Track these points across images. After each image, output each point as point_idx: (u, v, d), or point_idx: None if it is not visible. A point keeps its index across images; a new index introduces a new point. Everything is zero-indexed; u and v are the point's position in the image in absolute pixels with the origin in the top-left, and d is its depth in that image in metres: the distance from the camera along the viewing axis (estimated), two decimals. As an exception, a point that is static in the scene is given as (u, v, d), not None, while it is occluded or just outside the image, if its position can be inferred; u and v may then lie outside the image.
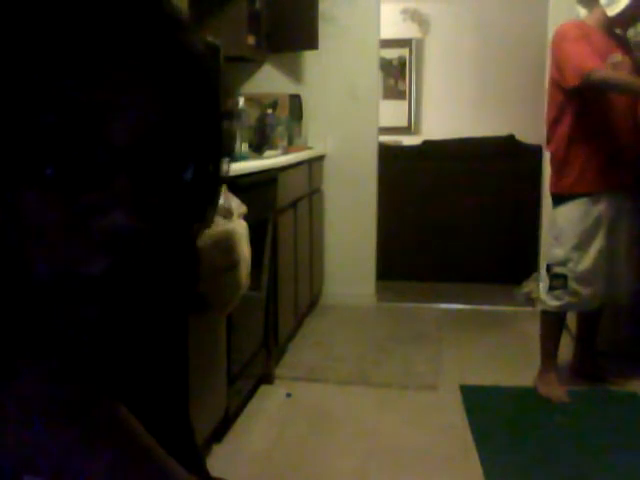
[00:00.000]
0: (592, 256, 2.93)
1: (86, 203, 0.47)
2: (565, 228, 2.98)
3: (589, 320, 3.20)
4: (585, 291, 2.95)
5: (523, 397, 3.04)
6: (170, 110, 0.50)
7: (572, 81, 2.84)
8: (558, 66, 2.94)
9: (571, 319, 3.32)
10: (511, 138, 5.10)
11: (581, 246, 2.94)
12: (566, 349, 3.25)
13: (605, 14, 2.93)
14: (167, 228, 0.52)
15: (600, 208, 2.93)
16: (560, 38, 2.96)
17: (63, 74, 0.46)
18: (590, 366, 3.21)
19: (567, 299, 2.98)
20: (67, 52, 0.46)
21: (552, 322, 3.07)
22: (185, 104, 0.51)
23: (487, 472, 2.34)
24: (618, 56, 2.93)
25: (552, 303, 3.01)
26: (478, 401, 2.97)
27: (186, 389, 2.02)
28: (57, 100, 0.45)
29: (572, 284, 2.96)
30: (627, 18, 2.95)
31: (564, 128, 2.96)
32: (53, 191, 0.46)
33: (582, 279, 2.94)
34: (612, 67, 2.90)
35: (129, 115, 0.47)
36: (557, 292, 2.99)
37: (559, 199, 3.03)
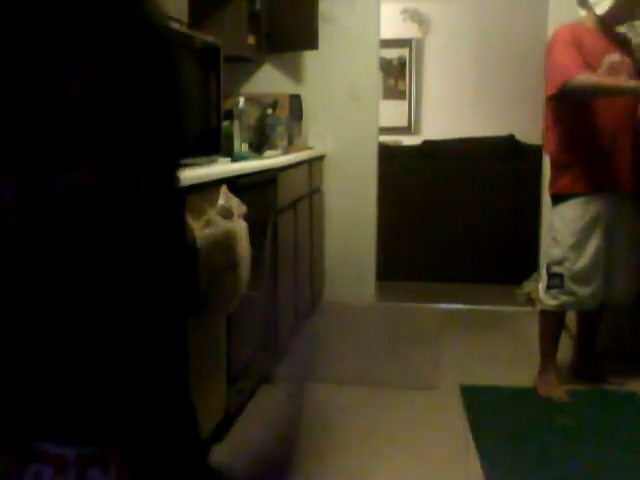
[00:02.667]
0: (589, 255, 2.94)
1: (47, 159, 0.47)
2: (562, 228, 2.99)
3: (589, 320, 3.20)
4: (582, 290, 2.96)
5: (523, 397, 3.04)
6: (129, 71, 0.50)
7: (550, 90, 2.89)
8: (545, 73, 2.97)
9: (571, 319, 3.32)
10: (511, 138, 5.10)
11: (578, 245, 2.95)
12: (566, 349, 3.25)
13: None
14: (137, 187, 0.52)
15: (597, 208, 2.93)
16: (550, 44, 3.00)
17: (21, 32, 0.46)
18: (590, 366, 3.21)
19: (564, 298, 2.99)
20: (26, 12, 0.46)
21: (551, 322, 3.07)
22: (146, 68, 0.51)
23: (487, 472, 2.34)
24: (616, 56, 2.93)
25: (550, 302, 3.02)
26: (478, 401, 2.97)
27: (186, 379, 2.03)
28: (14, 57, 0.45)
29: (568, 283, 2.96)
30: (616, 15, 2.95)
31: (559, 132, 2.98)
32: (12, 152, 0.47)
33: (579, 278, 2.95)
34: (609, 68, 2.90)
35: (83, 70, 0.48)
36: (554, 291, 3.00)
37: (556, 199, 3.04)
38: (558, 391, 3.01)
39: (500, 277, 4.81)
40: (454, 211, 4.98)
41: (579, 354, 3.25)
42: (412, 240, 4.96)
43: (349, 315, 4.28)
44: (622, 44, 3.03)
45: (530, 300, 4.34)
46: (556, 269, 3.00)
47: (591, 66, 2.87)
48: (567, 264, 2.96)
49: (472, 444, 2.55)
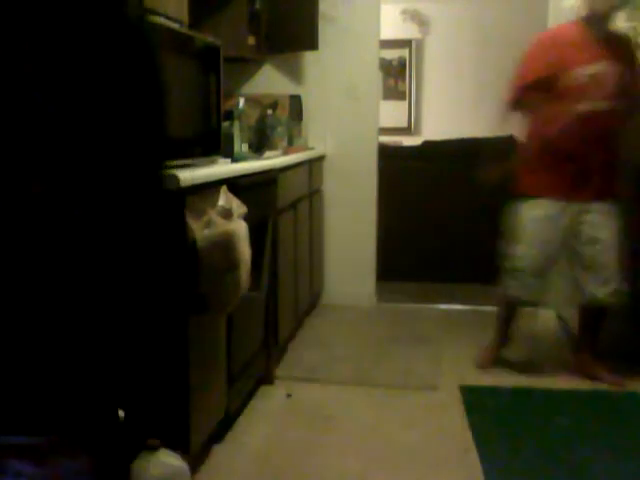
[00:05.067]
0: (541, 252, 3.11)
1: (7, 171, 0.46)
2: (521, 224, 3.15)
3: (590, 321, 3.21)
4: (532, 283, 3.14)
5: (523, 397, 3.04)
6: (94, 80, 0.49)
7: (505, 96, 3.09)
8: None
9: (572, 318, 3.33)
10: (511, 138, 5.09)
11: (532, 242, 3.11)
12: (566, 349, 3.25)
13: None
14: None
15: (556, 210, 3.06)
16: (528, 47, 3.12)
17: None
18: (589, 366, 3.22)
19: (515, 290, 3.18)
20: None
21: (504, 308, 3.34)
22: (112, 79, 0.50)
23: (487, 472, 2.34)
24: (598, 66, 2.93)
25: (504, 292, 3.26)
26: (478, 401, 2.97)
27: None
28: None
29: (520, 276, 3.15)
30: (596, 13, 2.98)
31: (528, 133, 3.17)
32: None
33: (530, 273, 3.13)
34: (591, 78, 2.93)
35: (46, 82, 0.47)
36: (508, 281, 3.20)
37: (521, 196, 3.20)
38: (482, 358, 3.37)
39: (500, 277, 4.80)
40: (454, 211, 4.97)
41: (580, 353, 3.26)
42: (412, 240, 4.96)
43: (349, 315, 4.28)
44: (616, 46, 3.02)
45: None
46: (511, 261, 3.17)
47: (567, 71, 2.93)
48: (521, 257, 3.14)
49: (472, 444, 2.55)
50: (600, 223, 3.06)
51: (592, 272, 3.09)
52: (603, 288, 3.07)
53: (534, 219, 3.11)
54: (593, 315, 3.19)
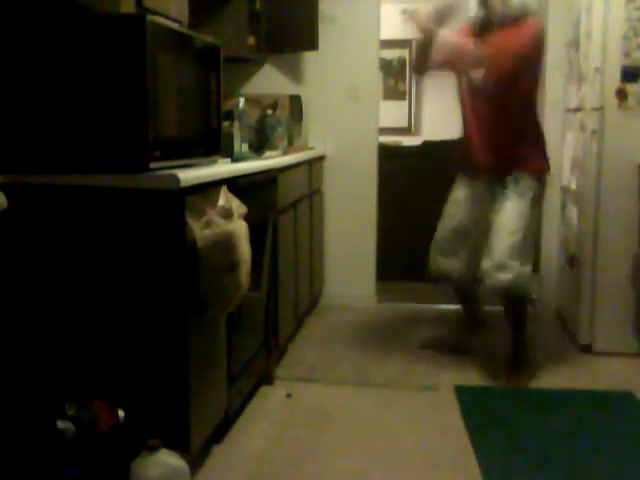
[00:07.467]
0: (448, 227, 3.31)
1: None
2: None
3: (464, 293, 3.57)
4: (440, 260, 3.34)
5: (521, 397, 3.04)
6: None
7: None
8: None
9: (571, 316, 3.32)
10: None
11: (443, 217, 3.34)
12: (560, 347, 3.24)
13: None
14: None
15: (470, 189, 3.24)
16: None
17: None
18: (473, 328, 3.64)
19: (431, 267, 3.39)
20: None
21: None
22: None
23: (485, 472, 2.34)
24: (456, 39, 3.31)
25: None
26: (476, 401, 2.97)
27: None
28: None
29: (431, 251, 3.35)
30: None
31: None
32: None
33: (438, 247, 3.36)
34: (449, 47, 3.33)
35: None
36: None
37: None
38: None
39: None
40: (454, 211, 4.97)
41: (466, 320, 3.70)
42: (412, 240, 4.95)
43: (349, 315, 4.29)
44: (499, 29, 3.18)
45: (530, 300, 4.33)
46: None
47: None
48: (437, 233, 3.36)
49: (471, 444, 2.55)
50: (500, 204, 3.10)
51: (484, 254, 3.10)
52: (495, 272, 3.06)
53: (453, 197, 3.32)
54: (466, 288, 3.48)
